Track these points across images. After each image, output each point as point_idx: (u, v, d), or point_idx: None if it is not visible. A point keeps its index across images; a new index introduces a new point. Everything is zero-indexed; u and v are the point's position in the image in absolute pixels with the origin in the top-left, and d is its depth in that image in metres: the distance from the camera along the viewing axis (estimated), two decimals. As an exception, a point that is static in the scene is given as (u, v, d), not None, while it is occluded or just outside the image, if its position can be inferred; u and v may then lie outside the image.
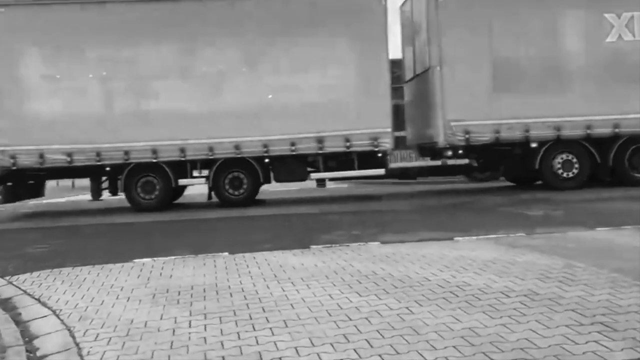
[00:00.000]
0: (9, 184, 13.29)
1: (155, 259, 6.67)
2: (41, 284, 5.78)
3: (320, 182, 18.19)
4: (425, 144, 14.39)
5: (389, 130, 12.90)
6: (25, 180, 13.73)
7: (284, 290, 4.96)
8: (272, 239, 7.89)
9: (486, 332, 3.67)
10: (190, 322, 4.24)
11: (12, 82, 12.68)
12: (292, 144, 12.84)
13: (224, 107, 12.83)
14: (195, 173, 13.25)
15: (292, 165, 13.21)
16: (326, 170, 13.51)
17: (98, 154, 12.64)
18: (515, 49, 13.30)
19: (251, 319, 4.22)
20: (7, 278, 6.10)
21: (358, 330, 3.84)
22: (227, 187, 13.19)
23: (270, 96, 12.90)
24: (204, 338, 3.88)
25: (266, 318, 4.21)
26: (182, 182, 13.16)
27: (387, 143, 12.93)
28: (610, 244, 6.35)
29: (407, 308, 4.26)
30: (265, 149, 12.84)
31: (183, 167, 13.06)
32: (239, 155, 12.86)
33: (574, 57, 13.45)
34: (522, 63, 13.28)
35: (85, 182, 21.47)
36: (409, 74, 15.41)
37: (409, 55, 15.27)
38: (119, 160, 12.76)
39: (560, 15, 13.51)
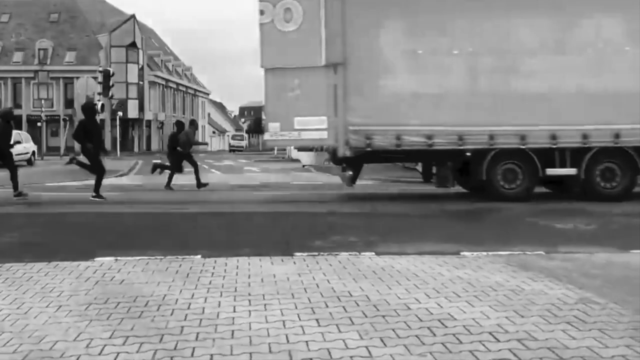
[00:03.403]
0: (344, 165, 12.13)
1: (118, 258, 5.99)
2: (-18, 281, 5.17)
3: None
4: None
5: None
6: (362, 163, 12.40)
7: (234, 311, 4.18)
8: (256, 242, 7.14)
9: (453, 395, 2.82)
10: (104, 347, 3.51)
11: (368, 57, 11.50)
12: None
13: (601, 89, 11.55)
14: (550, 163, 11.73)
15: None
16: None
17: (460, 138, 11.42)
18: None
19: (175, 349, 3.46)
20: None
21: (293, 377, 3.04)
22: (598, 179, 11.78)
23: None
24: (105, 373, 3.15)
25: (193, 349, 3.45)
26: (550, 171, 11.73)
27: None
28: (644, 272, 5.34)
29: (366, 348, 3.43)
30: None
31: (548, 156, 11.69)
32: (617, 145, 11.55)
33: None
34: None
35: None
36: None
37: None
38: (484, 145, 11.52)
39: None
